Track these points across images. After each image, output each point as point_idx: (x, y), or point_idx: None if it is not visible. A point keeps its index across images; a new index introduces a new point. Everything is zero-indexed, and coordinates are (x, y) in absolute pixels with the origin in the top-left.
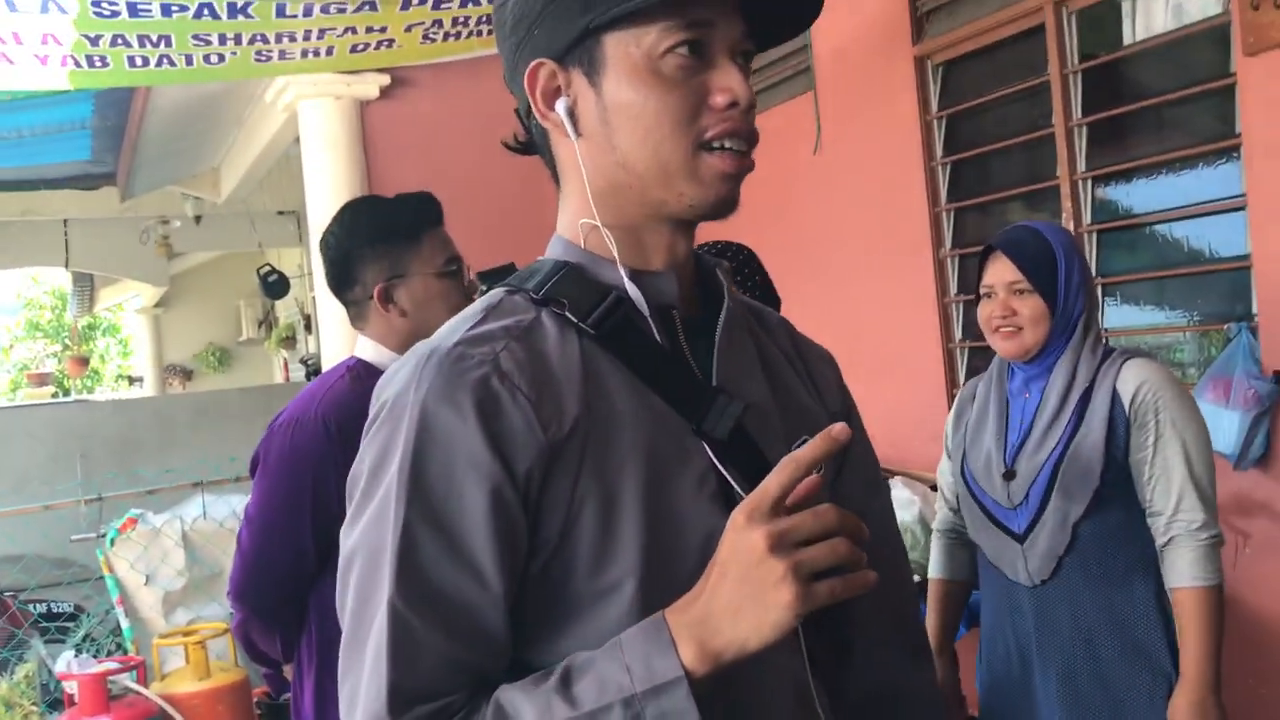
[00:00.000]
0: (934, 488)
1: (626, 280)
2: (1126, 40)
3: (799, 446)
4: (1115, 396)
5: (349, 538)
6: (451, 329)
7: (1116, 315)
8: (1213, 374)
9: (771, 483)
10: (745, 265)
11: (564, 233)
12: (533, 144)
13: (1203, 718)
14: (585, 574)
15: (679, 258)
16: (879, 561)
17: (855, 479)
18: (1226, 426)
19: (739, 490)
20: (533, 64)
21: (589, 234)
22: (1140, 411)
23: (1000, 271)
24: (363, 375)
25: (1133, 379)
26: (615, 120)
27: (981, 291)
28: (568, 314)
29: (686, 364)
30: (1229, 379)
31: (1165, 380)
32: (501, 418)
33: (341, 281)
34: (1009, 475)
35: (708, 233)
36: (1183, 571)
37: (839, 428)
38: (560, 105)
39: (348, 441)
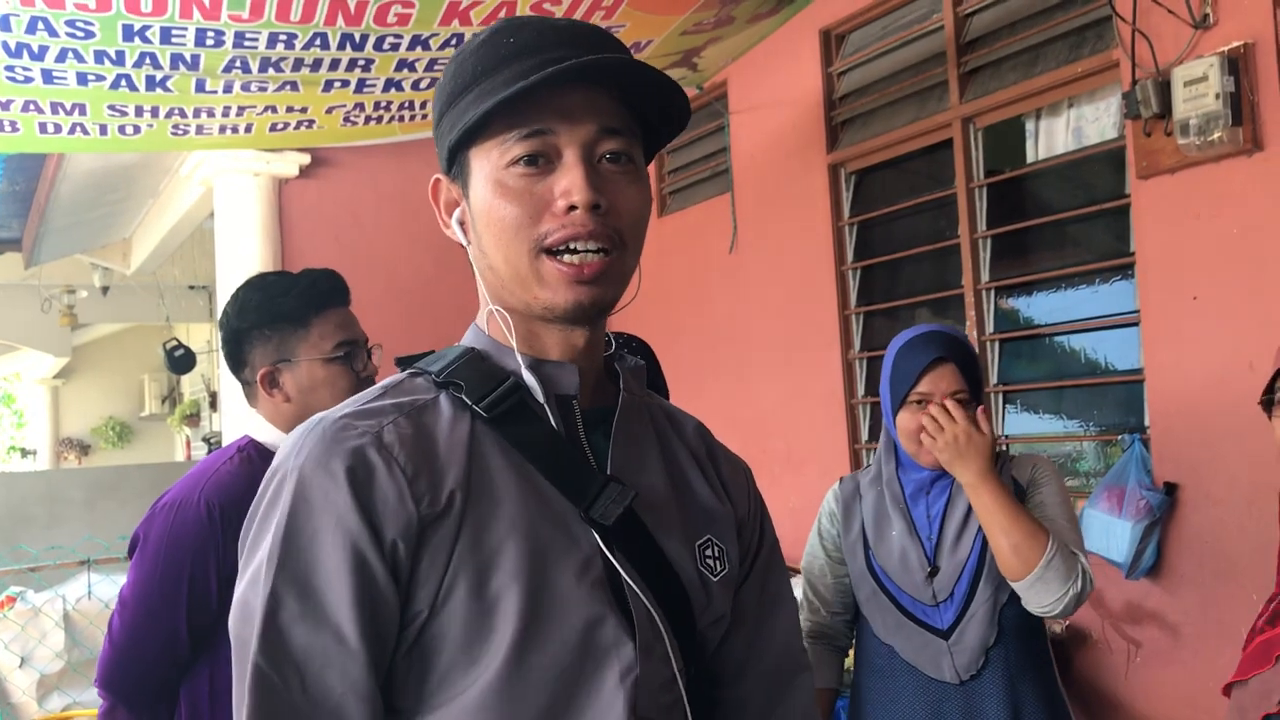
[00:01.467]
0: None
1: (524, 368)
2: (1030, 158)
3: (702, 544)
4: (1015, 483)
5: (234, 604)
6: (346, 404)
7: (1016, 423)
8: (1106, 483)
9: None
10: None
11: (478, 321)
12: None
13: None
14: (456, 649)
15: (577, 350)
16: (775, 684)
17: (754, 590)
18: (1119, 535)
19: (626, 577)
20: (433, 179)
21: (494, 322)
22: (1031, 489)
23: (945, 380)
24: (253, 457)
25: (1025, 464)
26: (479, 228)
27: (913, 399)
28: (464, 396)
29: (581, 451)
30: (1122, 489)
31: (1045, 461)
32: (374, 486)
33: (234, 361)
34: (933, 572)
35: (613, 323)
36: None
37: None
38: (455, 214)
39: (230, 527)
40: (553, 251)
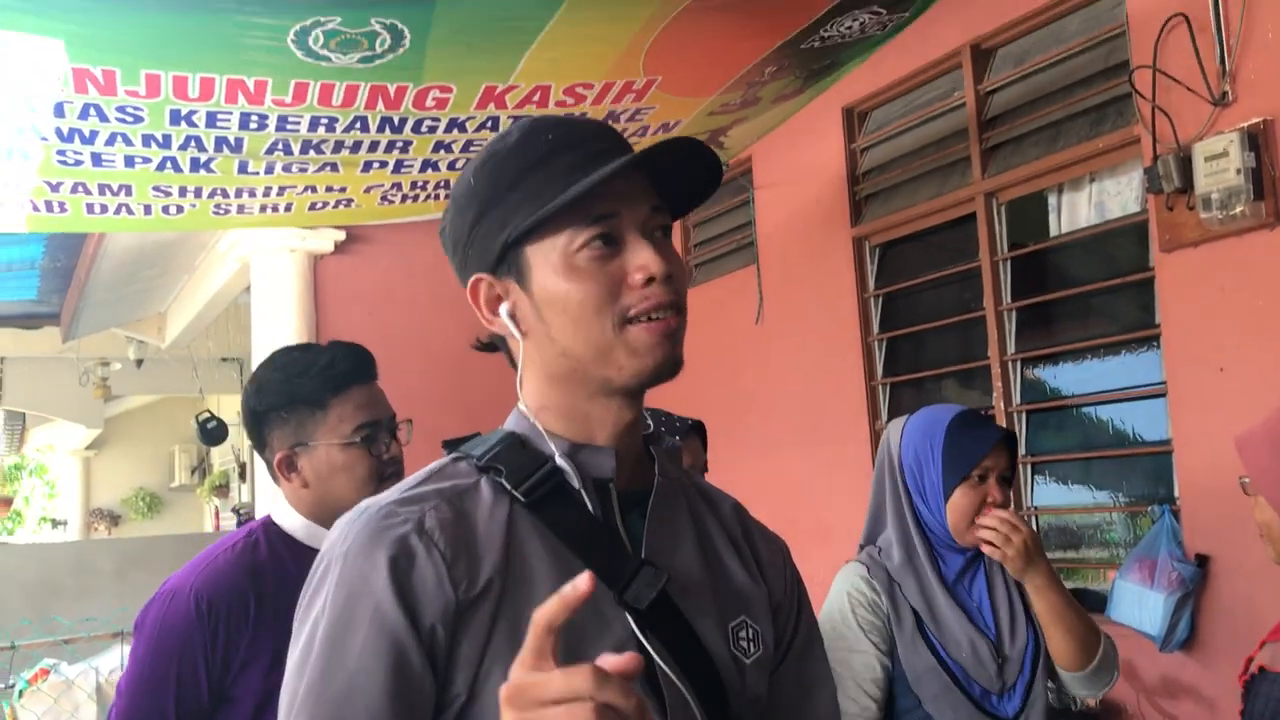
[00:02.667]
0: None
1: (558, 455)
2: (1053, 231)
3: (736, 626)
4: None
5: (286, 673)
6: (392, 490)
7: (1045, 494)
8: (1137, 555)
9: (520, 665)
10: (680, 435)
11: (520, 405)
12: (494, 343)
13: None
14: None
15: (622, 430)
16: None
17: (791, 672)
18: (1151, 608)
19: (659, 660)
20: (471, 280)
21: (538, 411)
22: None
23: (1003, 459)
24: (260, 543)
25: None
26: (548, 315)
27: (975, 475)
28: (503, 481)
29: (616, 534)
30: (1153, 560)
31: None
32: (413, 573)
33: (255, 442)
34: (1004, 661)
35: (657, 402)
36: None
37: (583, 578)
38: (503, 310)
39: (219, 622)
40: (634, 320)
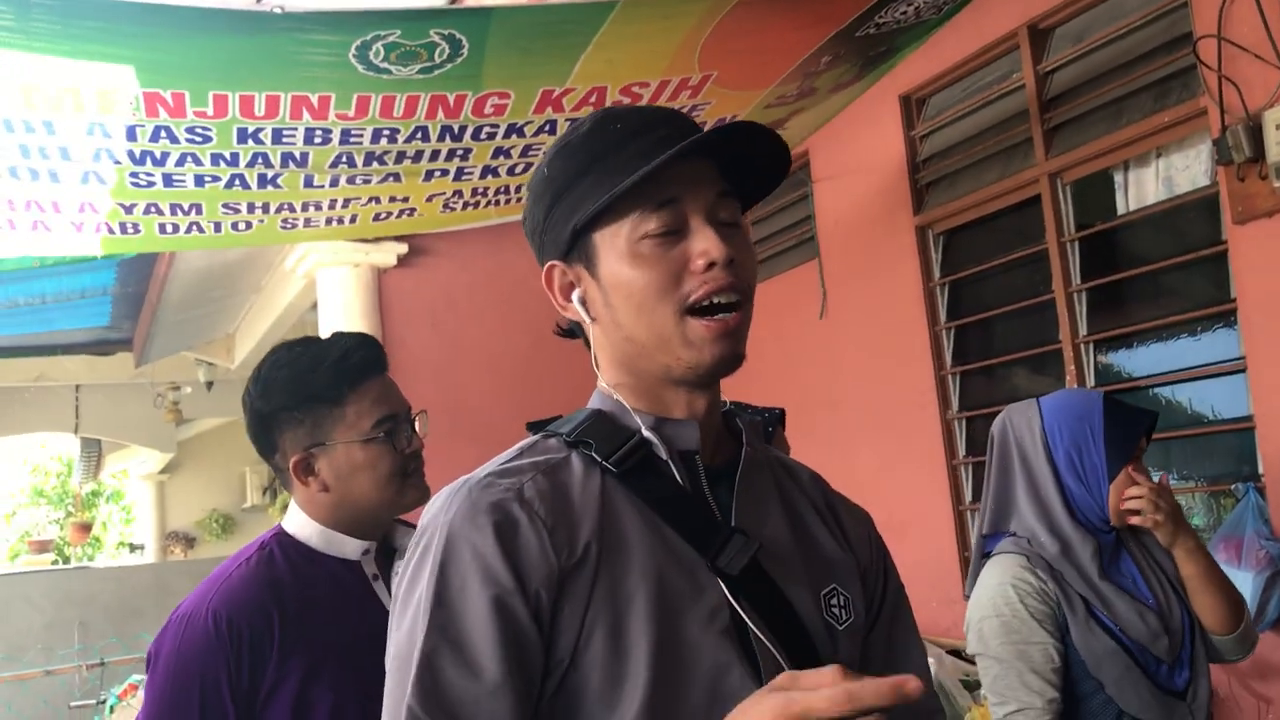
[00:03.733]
0: (954, 653)
1: (644, 428)
2: (1120, 210)
3: (827, 594)
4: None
5: (390, 647)
6: (487, 465)
7: None
8: (1223, 534)
9: (827, 702)
10: (769, 424)
11: (602, 384)
12: (572, 329)
13: None
14: (596, 697)
15: (699, 412)
16: None
17: (881, 638)
18: (1240, 588)
19: (752, 625)
20: (546, 266)
21: (617, 390)
22: None
23: (1144, 440)
24: (275, 554)
25: None
26: (614, 301)
27: (1136, 458)
28: (593, 454)
29: (706, 504)
30: (1240, 539)
31: None
32: (518, 538)
33: (262, 446)
34: (1173, 635)
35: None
36: None
37: (914, 684)
38: (575, 296)
39: (242, 642)
40: (696, 311)
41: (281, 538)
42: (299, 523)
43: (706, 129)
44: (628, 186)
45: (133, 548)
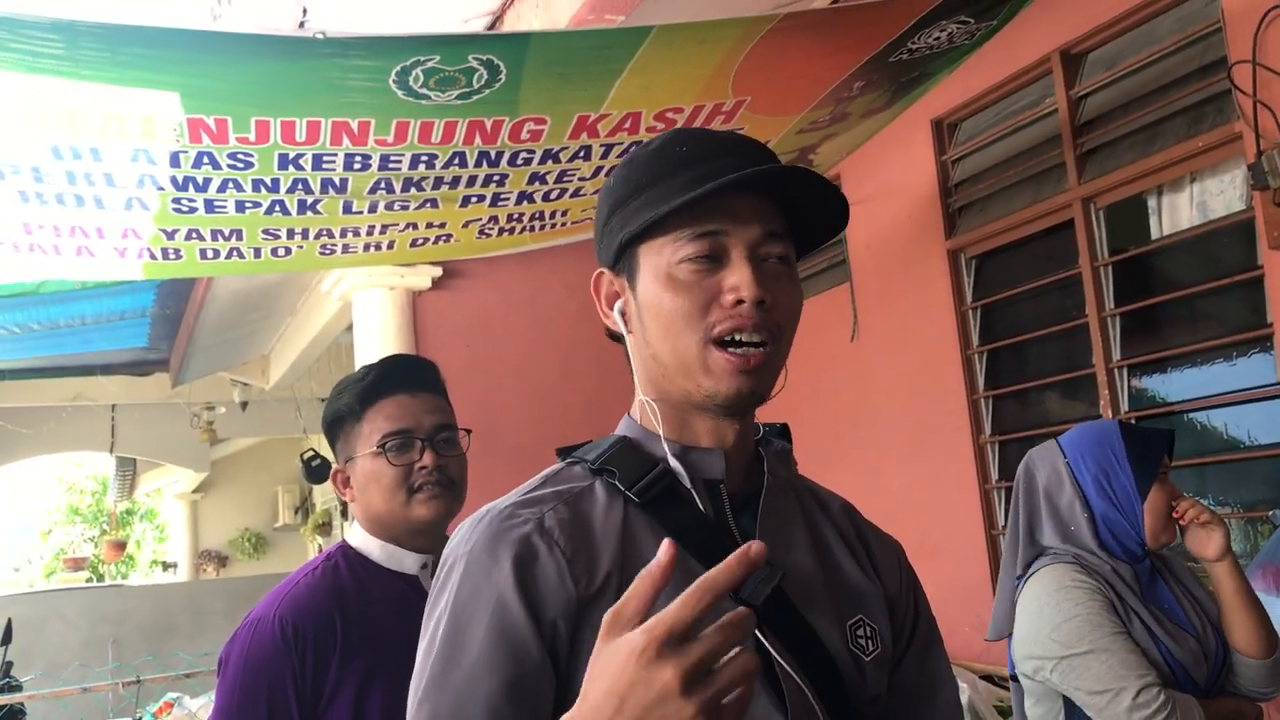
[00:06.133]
0: (987, 678)
1: (670, 456)
2: (1154, 235)
3: (853, 624)
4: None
5: (415, 670)
6: (512, 492)
7: None
8: (1261, 561)
9: (684, 608)
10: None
11: (631, 411)
12: (619, 336)
13: None
14: None
15: (727, 441)
16: None
17: (911, 669)
18: (1278, 616)
19: (777, 657)
20: (596, 273)
21: (645, 412)
22: None
23: (1167, 459)
24: (339, 565)
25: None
26: (646, 318)
27: (1161, 473)
28: (617, 483)
29: (729, 532)
30: (1278, 566)
31: None
32: (536, 569)
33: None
34: (1210, 662)
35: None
36: None
37: (755, 545)
38: (616, 306)
39: (306, 646)
40: (720, 343)
41: (346, 550)
42: (360, 536)
43: (767, 165)
44: (665, 212)
45: (166, 566)
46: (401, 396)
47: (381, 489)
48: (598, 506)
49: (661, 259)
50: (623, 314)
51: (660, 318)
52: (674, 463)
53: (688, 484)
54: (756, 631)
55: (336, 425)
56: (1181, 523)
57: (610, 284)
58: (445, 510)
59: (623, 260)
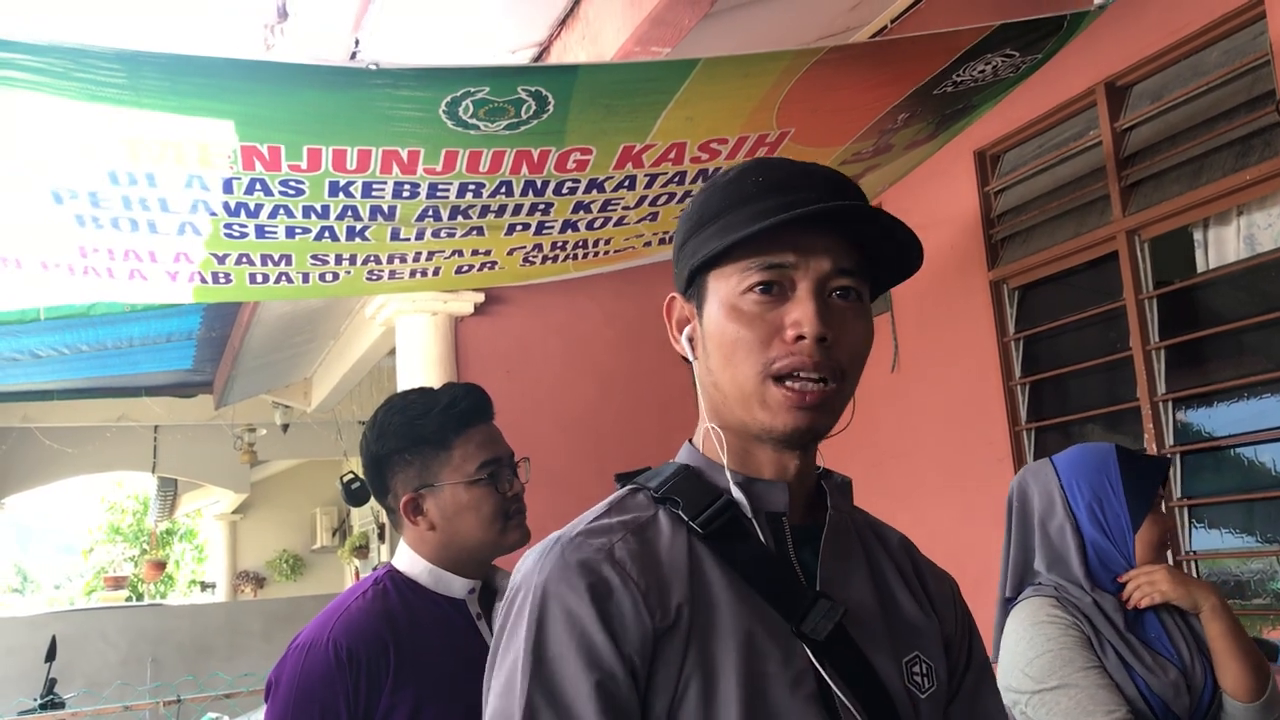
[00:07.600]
0: None
1: (734, 487)
2: (1200, 268)
3: (909, 661)
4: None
5: (486, 704)
6: (577, 521)
7: (1203, 539)
8: None
9: None
10: None
11: (694, 438)
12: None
13: None
14: None
15: (789, 474)
16: None
17: (963, 709)
18: None
19: (838, 692)
20: (669, 297)
21: (709, 440)
22: None
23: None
24: (389, 590)
25: None
26: (710, 346)
27: (1155, 504)
28: (681, 513)
29: (791, 567)
30: None
31: None
32: (612, 600)
33: (376, 488)
34: (1193, 694)
35: None
36: None
37: None
38: (685, 332)
39: (359, 668)
40: (778, 378)
41: (394, 574)
42: (408, 560)
43: (836, 203)
44: (731, 242)
45: (204, 586)
46: (486, 424)
47: (480, 517)
48: (663, 537)
49: (728, 288)
50: (690, 340)
51: (722, 347)
52: (737, 494)
53: (750, 516)
54: (818, 665)
55: (410, 451)
56: (1123, 598)
57: (681, 309)
58: (528, 536)
59: (693, 287)
